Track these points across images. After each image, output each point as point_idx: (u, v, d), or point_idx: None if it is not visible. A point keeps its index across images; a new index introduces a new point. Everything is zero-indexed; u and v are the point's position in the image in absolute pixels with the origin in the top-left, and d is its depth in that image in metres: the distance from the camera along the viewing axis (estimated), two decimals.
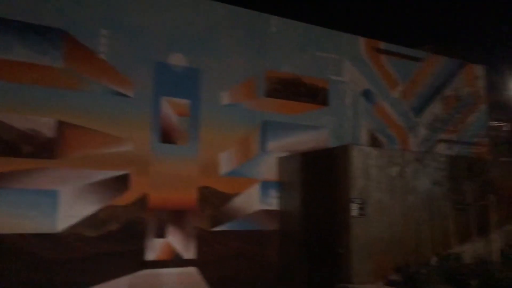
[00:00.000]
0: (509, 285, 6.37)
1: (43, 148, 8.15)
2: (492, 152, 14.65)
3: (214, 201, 9.60)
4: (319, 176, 9.17)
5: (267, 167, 10.32)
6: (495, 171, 9.48)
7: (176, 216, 9.18)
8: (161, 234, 9.00)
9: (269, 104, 10.63)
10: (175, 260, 9.06)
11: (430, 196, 8.93)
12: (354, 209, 8.11)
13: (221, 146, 9.85)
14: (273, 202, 10.25)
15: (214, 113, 9.87)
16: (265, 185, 10.22)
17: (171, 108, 9.43)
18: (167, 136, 9.34)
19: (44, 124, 8.19)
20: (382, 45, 12.83)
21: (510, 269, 6.88)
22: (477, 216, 8.54)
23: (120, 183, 8.74)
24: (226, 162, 9.88)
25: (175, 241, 9.14)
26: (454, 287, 7.19)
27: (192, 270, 9.17)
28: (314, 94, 11.38)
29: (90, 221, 8.36)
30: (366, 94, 12.27)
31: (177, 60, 9.63)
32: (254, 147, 10.32)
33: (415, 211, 8.75)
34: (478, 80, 14.60)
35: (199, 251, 9.30)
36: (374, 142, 12.03)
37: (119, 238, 8.57)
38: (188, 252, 9.22)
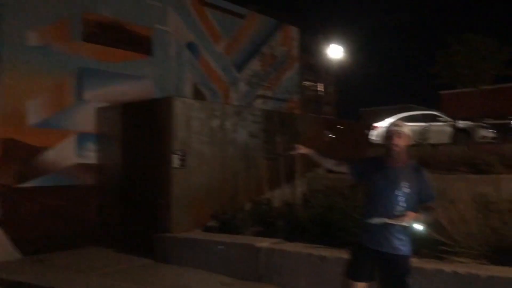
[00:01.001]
0: (309, 222, 7.29)
1: None
2: (301, 107, 16.29)
3: (20, 154, 8.59)
4: (141, 127, 8.95)
5: (85, 118, 9.62)
6: (303, 125, 10.53)
7: None
8: None
9: (86, 49, 9.79)
10: None
11: (247, 147, 9.52)
12: (175, 161, 8.17)
13: (28, 93, 8.76)
14: (91, 156, 9.67)
15: (19, 55, 8.67)
16: (82, 137, 9.55)
17: None
18: None
19: None
20: None
21: (309, 209, 7.86)
22: (286, 165, 9.43)
23: None
24: (34, 111, 8.86)
25: None
26: (263, 227, 7.91)
27: None
28: (137, 42, 10.89)
29: None
30: (191, 47, 12.24)
31: None
32: (69, 96, 9.47)
33: (233, 161, 9.24)
34: (293, 41, 15.84)
35: (3, 209, 8.32)
36: (198, 95, 12.19)
37: None
38: None
